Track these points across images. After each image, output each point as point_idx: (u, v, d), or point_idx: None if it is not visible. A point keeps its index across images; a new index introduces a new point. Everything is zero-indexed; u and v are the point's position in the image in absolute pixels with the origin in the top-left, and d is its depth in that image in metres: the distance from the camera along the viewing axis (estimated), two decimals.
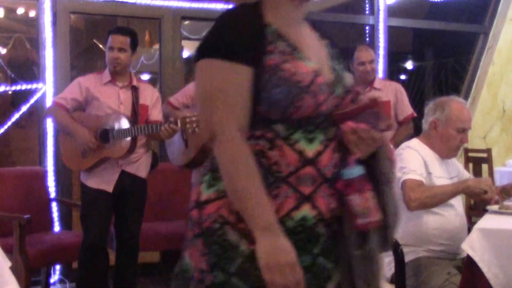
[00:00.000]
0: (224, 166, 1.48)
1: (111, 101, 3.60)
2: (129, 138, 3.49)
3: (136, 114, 3.62)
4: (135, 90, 3.67)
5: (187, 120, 3.40)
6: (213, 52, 1.52)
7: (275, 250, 1.43)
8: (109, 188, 3.58)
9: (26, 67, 6.57)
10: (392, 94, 4.11)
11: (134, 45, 3.67)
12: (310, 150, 1.50)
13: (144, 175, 3.71)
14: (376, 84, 4.13)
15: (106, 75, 3.65)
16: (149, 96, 3.73)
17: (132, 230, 3.71)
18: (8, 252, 3.13)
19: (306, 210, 1.50)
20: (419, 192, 2.67)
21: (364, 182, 1.55)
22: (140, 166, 3.68)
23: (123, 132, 3.48)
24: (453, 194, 2.74)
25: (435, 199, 2.70)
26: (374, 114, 1.56)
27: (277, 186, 1.49)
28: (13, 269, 2.31)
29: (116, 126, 3.50)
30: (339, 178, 1.54)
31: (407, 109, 4.09)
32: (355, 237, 1.55)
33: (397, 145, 3.92)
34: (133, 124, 3.51)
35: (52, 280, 4.35)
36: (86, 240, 3.59)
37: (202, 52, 1.55)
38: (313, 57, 1.57)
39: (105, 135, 3.53)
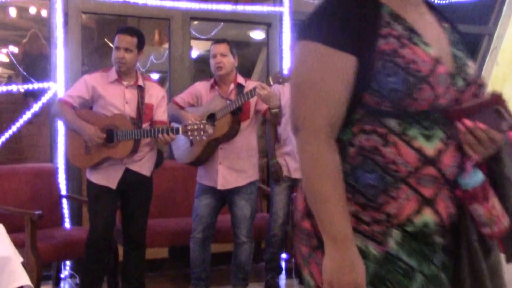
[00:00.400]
0: (304, 163, 1.35)
1: (117, 100, 3.63)
2: (131, 140, 3.54)
3: (141, 114, 3.64)
4: (140, 89, 3.69)
5: (189, 128, 3.45)
6: (316, 34, 1.32)
7: (342, 266, 1.27)
8: (113, 185, 3.62)
9: (40, 62, 6.65)
10: None
11: (140, 46, 3.70)
12: (430, 148, 1.32)
13: (148, 173, 3.74)
14: None
15: (113, 73, 3.68)
16: (155, 95, 3.75)
17: (138, 226, 3.75)
18: (20, 247, 3.18)
19: (428, 215, 1.33)
20: None
21: (486, 189, 1.35)
22: (144, 164, 3.71)
23: (126, 134, 3.53)
24: None
25: None
26: (496, 112, 1.35)
27: (396, 187, 1.31)
28: (25, 264, 2.38)
29: (120, 127, 3.54)
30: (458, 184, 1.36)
31: None
32: (478, 247, 1.36)
33: None
34: (137, 126, 3.56)
35: (62, 275, 4.42)
36: (91, 234, 3.63)
37: (303, 32, 1.36)
38: (433, 43, 1.37)
39: (109, 135, 3.57)
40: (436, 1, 6.38)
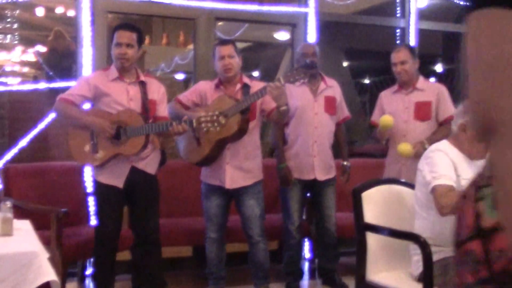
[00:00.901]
0: (503, 172, 0.85)
1: (121, 97, 3.60)
2: (143, 136, 3.51)
3: (147, 109, 3.62)
4: (143, 85, 3.67)
5: (202, 119, 3.43)
6: None
7: None
8: (120, 184, 3.61)
9: (66, 59, 6.70)
10: (433, 95, 4.11)
11: (140, 41, 3.67)
12: None
13: (153, 171, 3.72)
14: (419, 85, 4.15)
15: (113, 71, 3.63)
16: (156, 91, 3.73)
17: (150, 226, 3.71)
18: (46, 244, 3.21)
19: None
20: (450, 197, 2.69)
21: None
22: (149, 162, 3.68)
23: (137, 130, 3.49)
24: None
25: None
26: None
27: None
28: (51, 260, 2.41)
29: (130, 123, 3.52)
30: None
31: (448, 111, 4.06)
32: None
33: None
34: (145, 121, 3.53)
35: (87, 272, 4.46)
36: (101, 235, 3.64)
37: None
38: None
39: (117, 132, 3.54)
40: (462, 3, 6.32)
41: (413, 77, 4.17)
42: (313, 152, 4.16)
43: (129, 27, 3.65)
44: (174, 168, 4.62)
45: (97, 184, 3.67)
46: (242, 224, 3.91)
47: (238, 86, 3.86)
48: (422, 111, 4.10)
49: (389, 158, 4.25)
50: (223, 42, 3.93)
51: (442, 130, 4.04)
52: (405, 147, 3.89)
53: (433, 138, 3.92)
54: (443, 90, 4.16)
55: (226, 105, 3.64)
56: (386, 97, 4.29)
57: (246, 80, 3.91)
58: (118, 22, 5.08)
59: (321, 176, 4.21)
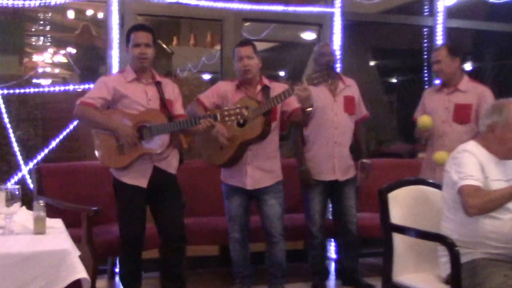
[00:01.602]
0: None
1: (140, 98, 3.60)
2: (168, 133, 3.53)
3: (167, 108, 3.64)
4: (159, 85, 3.68)
5: (226, 113, 3.43)
6: None
7: None
8: (144, 184, 3.62)
9: (92, 52, 6.78)
10: (475, 97, 4.01)
11: (155, 42, 3.71)
12: None
13: (174, 171, 3.73)
14: (461, 85, 4.07)
15: (130, 72, 3.64)
16: (171, 90, 3.74)
17: (177, 225, 3.72)
18: (77, 242, 3.24)
19: None
20: (477, 198, 2.67)
21: None
22: (170, 162, 3.69)
23: (162, 128, 3.51)
24: (511, 197, 2.71)
25: (493, 203, 2.69)
26: None
27: None
28: (81, 258, 2.44)
29: (154, 122, 3.52)
30: None
31: None
32: None
33: None
34: (169, 119, 3.55)
35: (117, 270, 4.50)
36: (126, 236, 3.65)
37: None
38: None
39: (140, 132, 3.55)
40: (491, 0, 6.24)
41: (454, 77, 4.08)
42: (333, 153, 4.15)
43: (144, 28, 3.69)
44: (194, 168, 4.65)
45: (121, 185, 3.67)
46: (262, 224, 3.93)
47: (259, 87, 3.87)
48: (462, 113, 4.02)
49: (425, 163, 4.18)
50: (242, 43, 3.93)
51: None
52: (442, 156, 3.79)
53: None
54: (486, 93, 4.04)
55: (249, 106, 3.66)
56: (429, 94, 4.24)
57: (266, 81, 3.91)
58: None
59: (341, 177, 4.20)
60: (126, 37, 3.72)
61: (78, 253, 2.47)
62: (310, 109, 3.64)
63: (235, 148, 3.76)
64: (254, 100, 3.70)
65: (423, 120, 3.96)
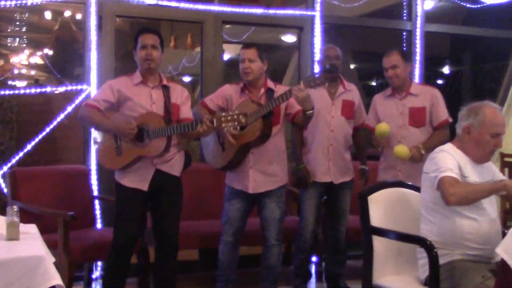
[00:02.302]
0: None
1: (144, 101, 3.61)
2: (165, 137, 3.51)
3: (169, 113, 3.63)
4: (166, 89, 3.69)
5: (223, 119, 3.41)
6: None
7: None
8: (144, 187, 3.61)
9: (71, 49, 6.70)
10: (427, 100, 4.07)
11: (162, 45, 3.73)
12: None
13: (178, 173, 3.72)
14: (412, 89, 4.11)
15: (137, 76, 3.66)
16: (179, 94, 3.74)
17: (171, 228, 3.71)
18: (53, 247, 3.20)
19: None
20: (458, 187, 2.72)
21: None
22: (174, 164, 3.69)
23: (159, 131, 3.50)
24: (490, 192, 2.77)
25: (473, 195, 2.74)
26: None
27: None
28: (57, 264, 2.41)
29: (152, 125, 3.52)
30: None
31: (442, 115, 4.04)
32: None
33: (431, 150, 3.92)
34: (167, 123, 3.54)
35: (94, 276, 4.48)
36: (118, 240, 3.60)
37: None
38: None
39: (140, 134, 3.55)
40: (468, 5, 6.30)
41: (406, 82, 4.12)
42: (328, 155, 4.16)
43: (152, 30, 3.71)
44: (198, 172, 4.62)
45: (121, 188, 3.65)
46: (261, 226, 3.91)
47: (262, 90, 3.85)
48: (417, 117, 4.05)
49: (383, 164, 4.19)
50: (247, 46, 3.91)
51: (437, 134, 4.03)
52: (402, 149, 3.85)
53: (429, 144, 3.92)
54: (437, 94, 4.11)
55: (249, 110, 3.65)
56: (380, 101, 4.23)
57: (270, 84, 3.89)
58: (128, 26, 5.12)
59: (336, 179, 4.20)
60: (133, 41, 3.72)
61: (53, 259, 2.44)
62: (311, 111, 3.64)
63: (234, 151, 3.74)
64: (255, 103, 3.70)
65: (381, 128, 3.95)
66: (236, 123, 3.40)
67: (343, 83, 4.27)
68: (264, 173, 3.82)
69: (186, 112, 3.73)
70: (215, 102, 3.91)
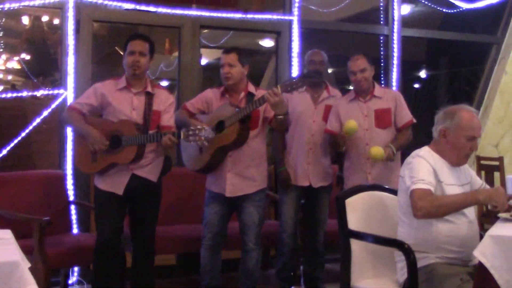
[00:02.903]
0: None
1: (124, 107, 3.64)
2: (135, 146, 3.54)
3: (147, 120, 3.65)
4: (149, 96, 3.70)
5: (190, 133, 3.45)
6: None
7: None
8: (119, 191, 3.63)
9: (44, 50, 6.63)
10: (391, 101, 4.10)
11: (152, 52, 3.74)
12: None
13: (155, 179, 3.74)
14: (376, 92, 4.12)
15: (122, 81, 3.69)
16: (163, 101, 3.76)
17: (147, 233, 3.76)
18: (28, 253, 3.20)
19: None
20: (426, 201, 2.71)
21: None
22: (151, 170, 3.71)
23: (130, 140, 3.54)
24: (462, 206, 2.77)
25: (441, 209, 2.73)
26: None
27: None
28: (33, 270, 2.37)
29: (125, 133, 3.56)
30: None
31: (406, 116, 4.08)
32: None
33: (400, 149, 3.99)
34: (141, 132, 3.56)
35: (70, 281, 4.43)
36: (99, 241, 3.65)
37: None
38: None
39: (116, 141, 3.59)
40: (445, 10, 6.38)
41: (371, 85, 4.14)
42: (308, 159, 4.18)
43: (142, 37, 3.74)
44: (178, 176, 4.58)
45: (98, 191, 3.70)
46: (240, 230, 3.91)
47: (242, 94, 3.86)
48: (383, 118, 4.07)
49: (348, 166, 4.16)
50: (227, 50, 3.92)
51: (404, 134, 4.07)
52: (377, 150, 3.85)
53: (398, 143, 3.98)
54: (399, 96, 4.16)
55: (226, 114, 3.68)
56: (342, 105, 4.17)
57: (251, 88, 3.90)
58: (105, 31, 5.10)
59: (315, 183, 4.22)
60: (124, 46, 3.73)
61: (28, 265, 2.40)
62: (281, 117, 3.65)
63: (211, 154, 3.75)
64: (233, 107, 3.71)
65: (350, 124, 3.90)
66: (203, 138, 3.43)
67: (327, 89, 4.29)
68: (242, 177, 3.82)
69: (167, 120, 3.74)
70: (195, 106, 3.93)
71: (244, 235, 3.87)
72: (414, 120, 4.13)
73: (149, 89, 3.70)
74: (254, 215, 3.85)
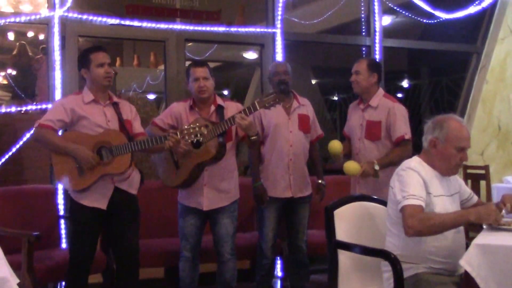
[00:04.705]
0: None
1: (99, 119, 3.60)
2: (128, 154, 3.53)
3: (125, 129, 3.65)
4: (116, 106, 3.70)
5: (185, 132, 3.46)
6: None
7: None
8: (104, 205, 3.60)
9: (29, 73, 6.66)
10: (384, 114, 4.01)
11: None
12: None
13: (135, 191, 3.73)
14: (373, 102, 4.07)
15: (87, 94, 3.65)
16: (129, 111, 3.77)
17: (131, 246, 3.71)
18: (16, 269, 3.18)
19: None
20: (417, 220, 2.68)
21: None
22: (131, 182, 3.69)
23: (123, 148, 3.51)
24: (453, 227, 2.74)
25: (432, 228, 2.69)
26: None
27: None
28: (21, 285, 2.37)
29: (114, 143, 3.53)
30: None
31: (398, 130, 3.95)
32: None
33: (386, 166, 3.85)
34: (129, 140, 3.56)
35: None
36: (76, 258, 3.61)
37: None
38: None
39: (100, 153, 3.55)
40: (425, 21, 6.49)
41: (368, 92, 4.09)
42: (289, 170, 4.17)
43: (102, 48, 3.73)
44: (150, 188, 4.59)
45: (78, 207, 3.61)
46: (214, 242, 3.92)
47: (212, 108, 3.87)
48: (372, 130, 4.04)
49: (352, 181, 4.18)
50: (198, 64, 3.94)
51: (395, 151, 3.95)
52: (350, 165, 3.81)
53: (384, 160, 3.88)
54: (395, 109, 4.01)
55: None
56: (351, 110, 4.27)
57: (219, 101, 3.91)
58: (91, 44, 5.12)
59: (297, 194, 4.21)
60: (81, 59, 3.70)
61: (17, 280, 2.39)
62: (255, 137, 3.69)
63: (190, 170, 3.75)
64: (208, 122, 3.69)
65: (332, 146, 3.94)
66: (199, 135, 3.45)
67: (296, 98, 4.30)
68: (218, 190, 3.85)
69: (138, 127, 3.76)
70: (165, 121, 3.93)
71: (220, 246, 3.88)
72: (407, 137, 3.97)
73: (115, 99, 3.72)
74: (229, 227, 3.87)
